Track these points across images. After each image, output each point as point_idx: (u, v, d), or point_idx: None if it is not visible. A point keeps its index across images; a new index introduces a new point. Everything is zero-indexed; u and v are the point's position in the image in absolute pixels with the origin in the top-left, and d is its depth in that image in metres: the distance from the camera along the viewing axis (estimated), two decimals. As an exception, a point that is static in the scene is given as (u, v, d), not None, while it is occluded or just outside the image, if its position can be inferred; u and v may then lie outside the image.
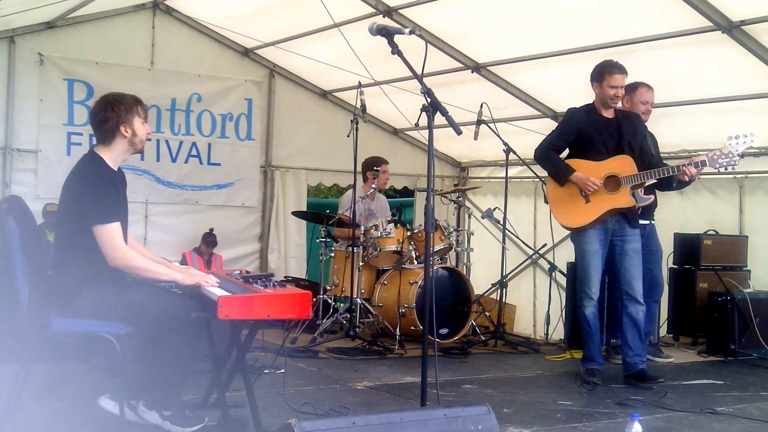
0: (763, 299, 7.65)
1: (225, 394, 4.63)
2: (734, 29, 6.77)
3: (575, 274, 7.98)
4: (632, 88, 7.24)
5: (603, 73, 6.29)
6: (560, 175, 6.33)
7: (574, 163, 6.30)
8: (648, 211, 7.25)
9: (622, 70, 6.28)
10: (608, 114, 6.36)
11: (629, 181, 6.13)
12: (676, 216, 8.11)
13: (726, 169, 6.15)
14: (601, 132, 6.28)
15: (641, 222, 7.21)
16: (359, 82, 8.12)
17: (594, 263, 6.24)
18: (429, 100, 4.24)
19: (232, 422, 4.50)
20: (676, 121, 8.02)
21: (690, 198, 7.44)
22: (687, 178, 6.06)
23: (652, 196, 7.11)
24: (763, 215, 8.46)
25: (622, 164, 6.18)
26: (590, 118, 6.33)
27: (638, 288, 6.23)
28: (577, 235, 6.36)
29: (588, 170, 6.20)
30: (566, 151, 6.53)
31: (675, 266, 8.23)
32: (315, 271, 9.10)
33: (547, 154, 6.39)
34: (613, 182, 6.16)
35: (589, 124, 6.30)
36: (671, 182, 6.24)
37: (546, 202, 6.63)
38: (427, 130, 4.32)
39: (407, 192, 12.70)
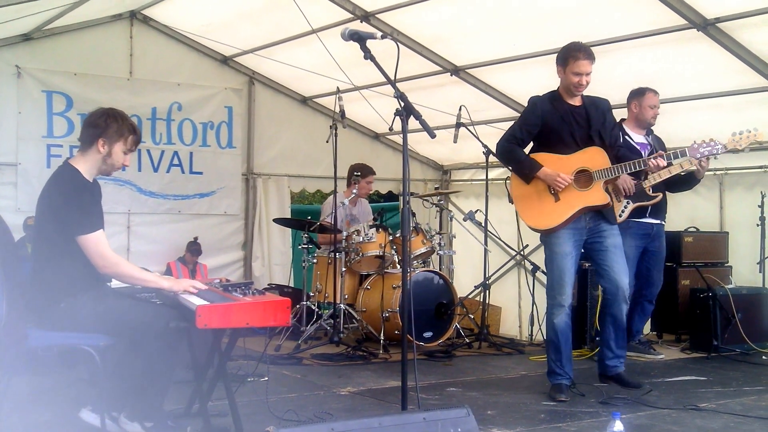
0: (745, 295, 7.69)
1: (207, 404, 4.63)
2: (709, 27, 6.81)
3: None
4: (640, 93, 7.28)
5: (567, 57, 5.70)
6: (525, 171, 5.71)
7: (539, 157, 5.71)
8: (659, 210, 7.29)
9: (589, 55, 5.67)
10: (575, 101, 5.79)
11: (602, 175, 5.64)
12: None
13: (708, 159, 5.99)
14: (568, 121, 5.71)
15: (652, 221, 7.26)
16: (337, 87, 8.13)
17: (566, 267, 5.67)
18: (402, 104, 4.23)
19: (215, 431, 4.50)
20: (668, 118, 7.99)
21: (670, 195, 7.45)
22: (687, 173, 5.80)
23: (660, 195, 7.16)
24: (743, 211, 8.51)
25: (594, 157, 5.68)
26: (555, 107, 5.74)
27: (624, 285, 5.67)
28: (547, 236, 5.76)
29: (556, 165, 5.64)
30: (530, 145, 6.02)
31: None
32: (300, 278, 9.09)
33: (509, 147, 5.76)
34: (584, 177, 5.66)
35: (555, 113, 5.71)
36: (685, 181, 5.97)
37: (510, 201, 5.98)
38: (404, 134, 4.32)
39: (391, 196, 12.70)
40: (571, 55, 5.67)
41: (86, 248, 4.25)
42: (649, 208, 7.16)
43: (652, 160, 5.70)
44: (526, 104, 9.20)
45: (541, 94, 5.87)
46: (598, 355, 6.02)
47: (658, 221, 7.30)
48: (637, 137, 7.27)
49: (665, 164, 5.81)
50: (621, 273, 5.70)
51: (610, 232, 5.75)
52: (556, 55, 7.80)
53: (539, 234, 5.89)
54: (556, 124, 5.70)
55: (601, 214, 5.74)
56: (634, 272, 7.33)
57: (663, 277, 7.52)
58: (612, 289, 5.72)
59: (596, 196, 5.65)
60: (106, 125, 4.42)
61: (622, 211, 7.13)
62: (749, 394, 5.82)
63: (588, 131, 5.72)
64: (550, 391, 5.73)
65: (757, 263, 8.25)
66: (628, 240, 7.17)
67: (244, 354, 6.35)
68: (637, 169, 5.77)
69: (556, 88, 5.85)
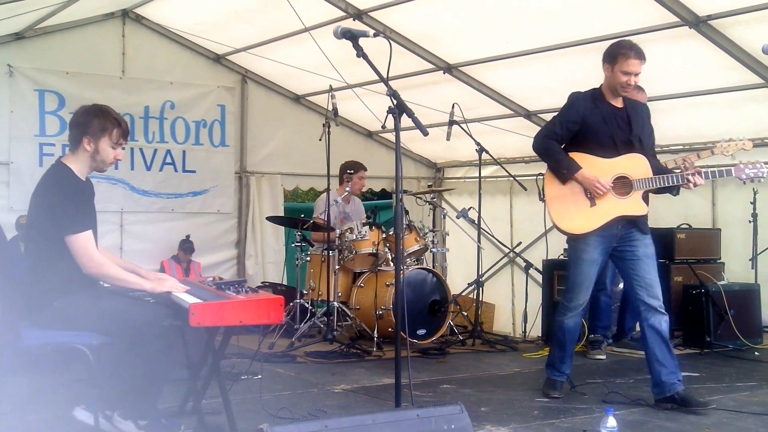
0: (737, 291, 7.72)
1: (201, 402, 4.63)
2: (701, 24, 6.84)
3: (551, 273, 8.08)
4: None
5: (616, 54, 5.37)
6: (563, 170, 5.41)
7: (578, 158, 5.40)
8: None
9: (640, 54, 5.35)
10: (617, 103, 5.48)
11: (642, 185, 5.33)
12: (649, 211, 8.09)
13: (752, 181, 5.53)
14: (609, 123, 5.40)
15: None
16: (330, 85, 8.13)
17: (590, 274, 5.45)
18: (395, 102, 4.24)
19: (209, 429, 4.51)
20: (660, 116, 7.99)
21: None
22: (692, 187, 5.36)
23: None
24: (735, 208, 8.55)
25: (635, 164, 5.36)
26: (597, 106, 5.44)
27: (658, 295, 5.36)
28: (575, 240, 5.47)
29: (596, 168, 5.34)
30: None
31: (649, 261, 8.29)
32: (293, 276, 9.09)
33: (548, 144, 5.48)
34: (623, 184, 5.36)
35: (596, 112, 5.41)
36: (672, 189, 5.51)
37: (541, 199, 5.72)
38: (397, 132, 4.33)
39: (385, 194, 12.72)
40: (621, 53, 5.35)
41: (73, 248, 4.26)
42: None
43: (690, 176, 5.28)
44: (518, 102, 9.42)
45: (582, 91, 5.57)
46: (652, 377, 5.35)
47: None
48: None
49: (702, 182, 5.33)
50: (656, 283, 5.39)
51: (642, 242, 5.43)
52: (550, 53, 7.97)
53: (570, 238, 5.57)
54: (597, 124, 5.40)
55: (633, 222, 5.42)
56: (616, 269, 7.36)
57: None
58: (647, 301, 5.35)
59: (635, 206, 5.36)
60: (88, 123, 4.42)
61: None
62: (742, 390, 5.85)
63: (629, 135, 5.41)
64: (544, 386, 5.68)
65: (750, 260, 8.29)
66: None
67: (238, 352, 6.35)
68: (677, 183, 5.34)
69: (598, 86, 5.54)
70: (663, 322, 5.32)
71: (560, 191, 5.46)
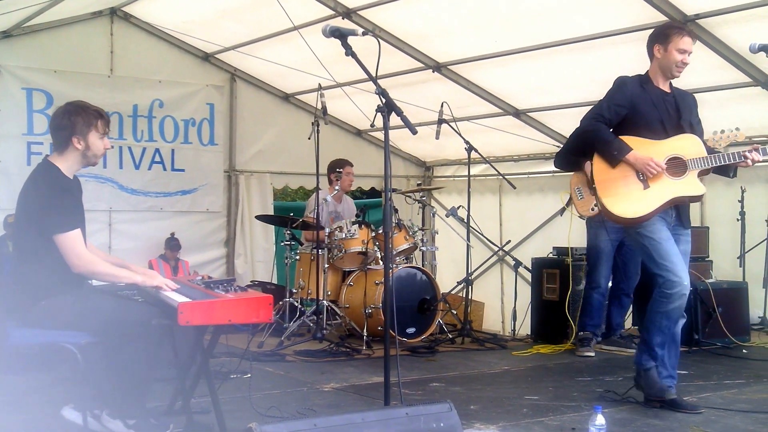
0: (726, 289, 7.75)
1: (190, 401, 4.62)
2: (689, 23, 6.85)
3: (540, 271, 8.09)
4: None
5: (669, 34, 5.19)
6: (613, 152, 5.13)
7: (628, 140, 5.17)
8: None
9: (691, 33, 5.23)
10: (665, 87, 5.29)
11: (697, 164, 5.09)
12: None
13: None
14: (659, 107, 5.21)
15: None
16: (319, 84, 8.13)
17: (673, 248, 5.08)
18: (384, 100, 4.24)
19: (198, 428, 4.49)
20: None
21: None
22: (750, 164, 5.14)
23: None
24: (723, 206, 8.58)
25: (689, 144, 5.15)
26: (645, 90, 5.24)
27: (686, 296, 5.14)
28: (638, 226, 5.13)
29: (647, 150, 5.11)
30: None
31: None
32: (282, 275, 9.09)
33: (596, 126, 5.21)
34: (676, 165, 5.12)
35: (645, 96, 5.22)
36: (729, 170, 5.27)
37: (591, 185, 5.33)
38: (386, 131, 4.33)
39: (375, 192, 12.72)
40: (675, 31, 5.18)
41: (61, 247, 4.24)
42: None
43: (747, 153, 5.10)
44: (507, 100, 9.43)
45: (629, 75, 5.36)
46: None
47: None
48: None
49: (761, 158, 5.14)
50: (688, 283, 5.12)
51: (685, 238, 5.26)
52: (539, 51, 7.98)
53: (626, 225, 5.33)
54: (647, 108, 5.19)
55: (679, 215, 5.23)
56: (610, 266, 7.40)
57: (641, 270, 7.56)
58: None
59: (692, 185, 5.12)
60: (73, 123, 4.41)
61: (595, 205, 7.16)
62: (730, 388, 5.87)
63: (678, 120, 5.22)
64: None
65: (738, 258, 8.34)
66: (604, 234, 7.24)
67: (227, 351, 6.36)
68: (735, 161, 5.14)
69: (644, 72, 5.35)
70: (681, 324, 5.20)
71: (610, 175, 5.16)
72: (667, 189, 5.09)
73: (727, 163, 5.14)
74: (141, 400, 4.36)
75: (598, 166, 5.21)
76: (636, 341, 7.66)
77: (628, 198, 5.11)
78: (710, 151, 5.19)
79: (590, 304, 7.40)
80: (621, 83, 5.30)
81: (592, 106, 5.35)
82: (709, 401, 5.34)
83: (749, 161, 5.10)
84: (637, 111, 5.19)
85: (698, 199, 5.29)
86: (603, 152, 5.19)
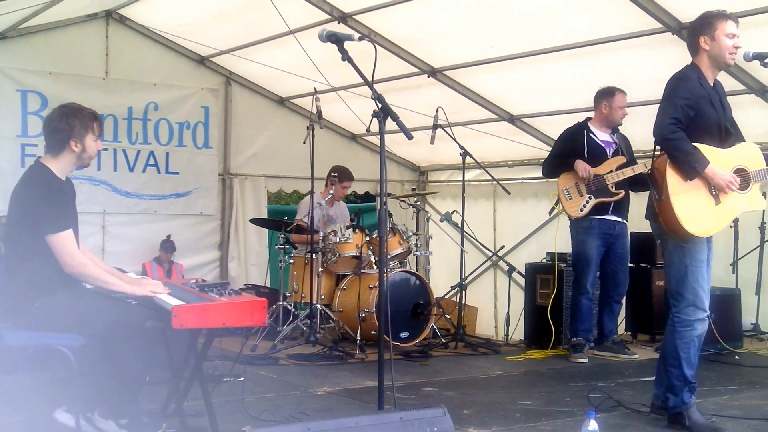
0: (718, 295, 7.72)
1: (183, 404, 4.62)
2: (683, 30, 6.87)
3: (534, 276, 8.10)
4: (609, 93, 7.36)
5: (712, 21, 4.79)
6: (693, 164, 4.69)
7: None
8: (621, 208, 7.36)
9: (733, 17, 4.83)
10: (712, 82, 4.90)
11: (760, 177, 4.88)
12: (631, 215, 8.15)
13: None
14: (716, 106, 4.84)
15: (614, 219, 7.32)
16: (314, 88, 8.13)
17: (704, 274, 4.86)
18: (380, 105, 4.25)
19: (190, 431, 4.49)
20: (634, 121, 8.03)
21: (645, 197, 7.49)
22: None
23: (622, 192, 7.25)
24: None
25: (751, 154, 4.90)
26: (703, 86, 4.81)
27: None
28: (687, 241, 4.79)
29: (715, 161, 4.74)
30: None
31: (632, 265, 8.28)
32: (276, 278, 9.09)
33: (679, 135, 4.69)
34: (742, 178, 4.84)
35: (704, 95, 4.80)
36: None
37: (658, 196, 4.83)
38: (382, 136, 4.34)
39: (369, 197, 12.72)
40: (719, 17, 4.79)
41: (54, 247, 4.25)
42: (612, 205, 7.25)
43: None
44: (502, 106, 9.44)
45: (683, 70, 4.90)
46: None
47: (620, 220, 7.38)
48: (602, 135, 7.40)
49: None
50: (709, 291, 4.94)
51: (711, 245, 4.96)
52: (534, 57, 8.00)
53: (675, 239, 4.85)
54: (706, 108, 4.81)
55: None
56: (596, 273, 7.42)
57: (633, 276, 7.60)
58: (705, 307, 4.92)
59: (756, 200, 4.91)
60: (71, 126, 4.42)
61: (584, 206, 7.21)
62: (722, 394, 5.90)
63: (724, 120, 4.91)
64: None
65: (731, 264, 8.34)
66: (592, 240, 7.28)
67: (221, 354, 6.35)
68: None
69: (690, 65, 4.92)
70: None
71: (684, 188, 4.75)
72: (736, 205, 4.85)
73: None
74: (133, 401, 4.36)
75: (673, 178, 4.76)
76: (629, 346, 7.70)
77: (702, 215, 4.77)
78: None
79: (579, 309, 7.41)
80: (684, 79, 4.82)
81: (659, 112, 4.84)
82: (702, 407, 5.32)
83: None
84: (699, 112, 4.79)
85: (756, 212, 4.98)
86: (682, 164, 4.74)
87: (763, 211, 7.84)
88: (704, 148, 4.75)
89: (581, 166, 7.17)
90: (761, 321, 8.44)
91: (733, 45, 4.78)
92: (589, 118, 7.50)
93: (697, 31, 4.88)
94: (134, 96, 9.59)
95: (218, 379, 5.72)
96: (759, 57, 4.95)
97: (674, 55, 7.21)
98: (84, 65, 9.29)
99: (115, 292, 4.41)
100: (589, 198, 7.20)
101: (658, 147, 4.90)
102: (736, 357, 7.46)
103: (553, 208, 7.84)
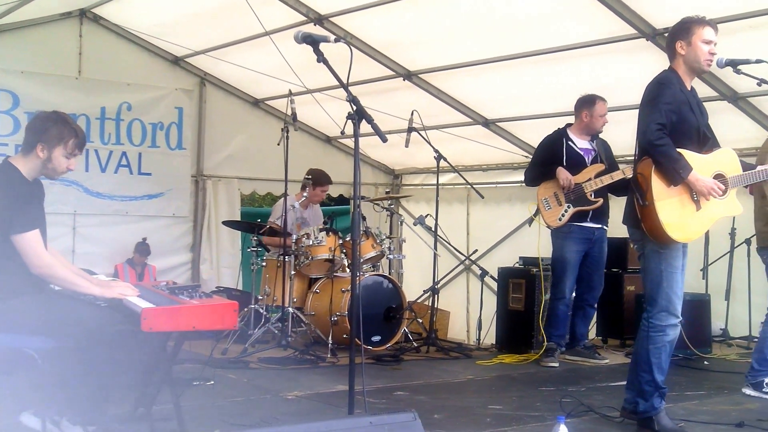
0: (688, 301, 7.69)
1: (152, 408, 4.57)
2: (657, 36, 6.93)
3: (506, 281, 8.11)
4: (590, 102, 7.36)
5: (690, 27, 4.81)
6: (679, 170, 4.68)
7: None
8: (601, 215, 7.39)
9: (713, 24, 4.85)
10: (689, 87, 4.92)
11: (737, 182, 4.95)
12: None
13: None
14: (695, 111, 4.86)
15: (593, 226, 7.35)
16: (289, 90, 8.11)
17: (681, 280, 4.88)
18: (354, 107, 4.24)
19: (159, 435, 4.45)
20: (610, 125, 8.05)
21: (616, 201, 7.54)
22: None
23: (601, 200, 7.28)
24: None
25: (729, 160, 4.96)
26: (683, 91, 4.83)
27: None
28: (665, 248, 4.80)
29: (696, 166, 4.74)
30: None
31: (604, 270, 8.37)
32: (248, 281, 9.05)
33: (666, 141, 4.64)
34: (721, 183, 4.87)
35: (684, 99, 4.81)
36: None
37: (642, 202, 4.77)
38: (356, 138, 4.33)
39: (343, 200, 12.71)
40: (696, 23, 4.80)
41: (20, 248, 4.20)
42: (591, 212, 7.28)
43: None
44: (477, 110, 9.46)
45: (663, 73, 4.90)
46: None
47: (600, 226, 7.41)
48: (581, 143, 7.42)
49: None
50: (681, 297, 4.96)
51: (686, 250, 4.98)
52: (510, 62, 8.02)
53: (654, 244, 4.84)
54: (687, 112, 4.82)
55: None
56: (575, 277, 7.44)
57: (604, 281, 7.64)
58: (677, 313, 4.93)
59: (733, 206, 4.96)
60: (45, 130, 4.37)
61: (562, 216, 7.24)
62: (691, 399, 5.93)
63: (701, 125, 4.93)
64: None
65: (701, 270, 8.41)
66: (571, 245, 7.30)
67: (191, 357, 6.30)
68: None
69: (668, 70, 4.92)
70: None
71: (668, 194, 4.75)
72: (715, 210, 4.87)
73: (766, 179, 5.10)
74: (102, 406, 4.31)
75: (658, 184, 4.73)
76: (599, 351, 7.74)
77: (684, 221, 4.79)
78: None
79: (555, 315, 7.43)
80: (664, 83, 4.81)
81: (642, 117, 4.81)
82: (671, 412, 5.35)
83: None
84: (681, 117, 4.79)
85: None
86: (668, 170, 4.72)
87: (733, 217, 7.88)
88: (686, 154, 4.76)
89: (563, 174, 7.19)
90: (730, 326, 8.53)
91: (709, 51, 4.81)
92: (569, 125, 7.51)
93: (674, 36, 4.91)
94: (107, 96, 9.52)
95: (188, 383, 5.68)
96: (732, 64, 4.99)
97: (650, 61, 7.30)
98: (57, 64, 9.21)
99: (83, 294, 4.36)
100: (568, 207, 7.22)
101: (639, 151, 4.91)
102: (706, 362, 7.51)
103: (532, 219, 7.86)
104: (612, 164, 7.41)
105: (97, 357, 4.14)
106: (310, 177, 8.57)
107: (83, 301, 4.41)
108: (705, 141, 4.96)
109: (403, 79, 9.02)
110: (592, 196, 7.24)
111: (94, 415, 4.25)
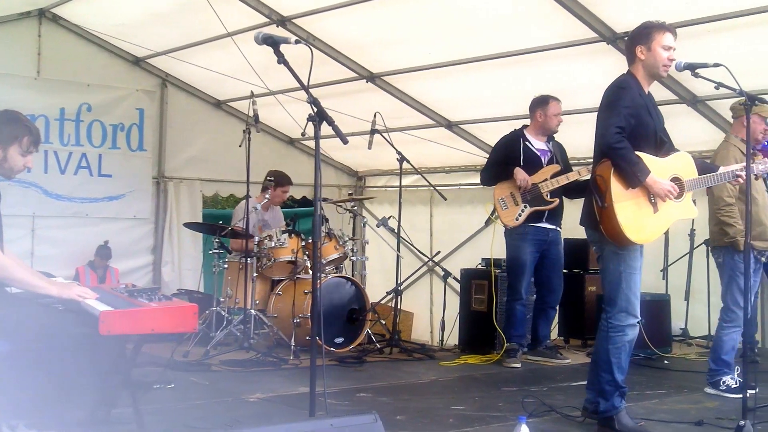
0: (648, 301, 7.85)
1: (111, 412, 4.52)
2: (618, 40, 7.00)
3: (469, 282, 8.13)
4: (544, 102, 7.42)
5: (650, 32, 4.87)
6: (636, 173, 4.75)
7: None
8: (555, 216, 7.44)
9: (672, 30, 4.90)
10: (647, 91, 5.00)
11: (693, 185, 5.05)
12: (565, 222, 8.25)
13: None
14: (652, 115, 4.94)
15: (548, 227, 7.40)
16: (252, 91, 8.07)
17: (638, 282, 4.96)
18: (315, 109, 4.23)
19: (119, 440, 4.41)
20: (571, 128, 8.11)
21: (577, 203, 7.58)
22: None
23: (557, 200, 7.33)
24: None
25: (685, 164, 5.04)
26: (641, 95, 4.91)
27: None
28: (623, 249, 4.87)
29: (653, 169, 4.82)
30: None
31: (565, 271, 8.32)
32: (210, 283, 8.99)
33: (625, 144, 4.71)
34: (677, 186, 4.95)
35: (643, 104, 4.89)
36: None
37: (601, 204, 4.82)
38: (317, 140, 4.32)
39: (306, 201, 12.69)
40: (656, 29, 4.86)
41: None
42: (546, 213, 7.33)
43: (739, 172, 5.07)
44: (440, 112, 9.48)
45: (621, 78, 4.97)
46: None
47: (554, 227, 7.47)
48: (538, 144, 7.47)
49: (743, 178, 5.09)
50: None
51: (642, 252, 5.02)
52: (473, 64, 8.06)
53: (612, 246, 4.90)
54: (644, 116, 4.88)
55: None
56: (531, 279, 7.49)
57: (566, 282, 7.69)
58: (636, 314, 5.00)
59: (689, 208, 5.06)
60: None
61: (519, 215, 7.28)
62: (651, 398, 5.99)
63: (658, 129, 5.02)
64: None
65: (661, 270, 8.51)
66: (526, 246, 7.35)
67: (151, 360, 6.25)
68: (728, 180, 5.20)
69: (627, 74, 5.00)
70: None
71: (625, 197, 4.80)
72: (671, 212, 4.94)
73: (719, 183, 5.23)
74: (60, 410, 4.26)
75: (617, 187, 4.79)
76: (561, 351, 7.79)
77: (642, 223, 4.85)
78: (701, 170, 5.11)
79: (514, 315, 7.47)
80: (625, 87, 4.87)
81: (601, 120, 4.86)
82: (631, 411, 5.38)
83: (741, 180, 5.08)
84: (639, 121, 4.85)
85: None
86: (627, 173, 4.78)
87: (693, 219, 7.97)
88: (644, 157, 4.82)
89: (521, 175, 7.23)
90: (690, 326, 8.64)
91: (668, 57, 4.87)
92: (525, 126, 7.57)
93: (634, 40, 4.97)
94: (67, 96, 9.41)
95: (148, 386, 5.61)
96: (690, 67, 5.03)
97: (610, 64, 7.36)
98: (15, 64, 9.09)
99: (41, 295, 4.30)
100: (525, 207, 7.27)
101: (598, 154, 4.96)
102: (666, 361, 7.59)
103: (489, 218, 7.90)
104: (566, 166, 7.49)
105: (55, 360, 4.09)
106: (272, 178, 8.53)
107: (40, 304, 4.34)
108: (661, 145, 5.03)
109: (366, 81, 9.02)
110: (549, 196, 7.29)
111: (51, 419, 4.19)
